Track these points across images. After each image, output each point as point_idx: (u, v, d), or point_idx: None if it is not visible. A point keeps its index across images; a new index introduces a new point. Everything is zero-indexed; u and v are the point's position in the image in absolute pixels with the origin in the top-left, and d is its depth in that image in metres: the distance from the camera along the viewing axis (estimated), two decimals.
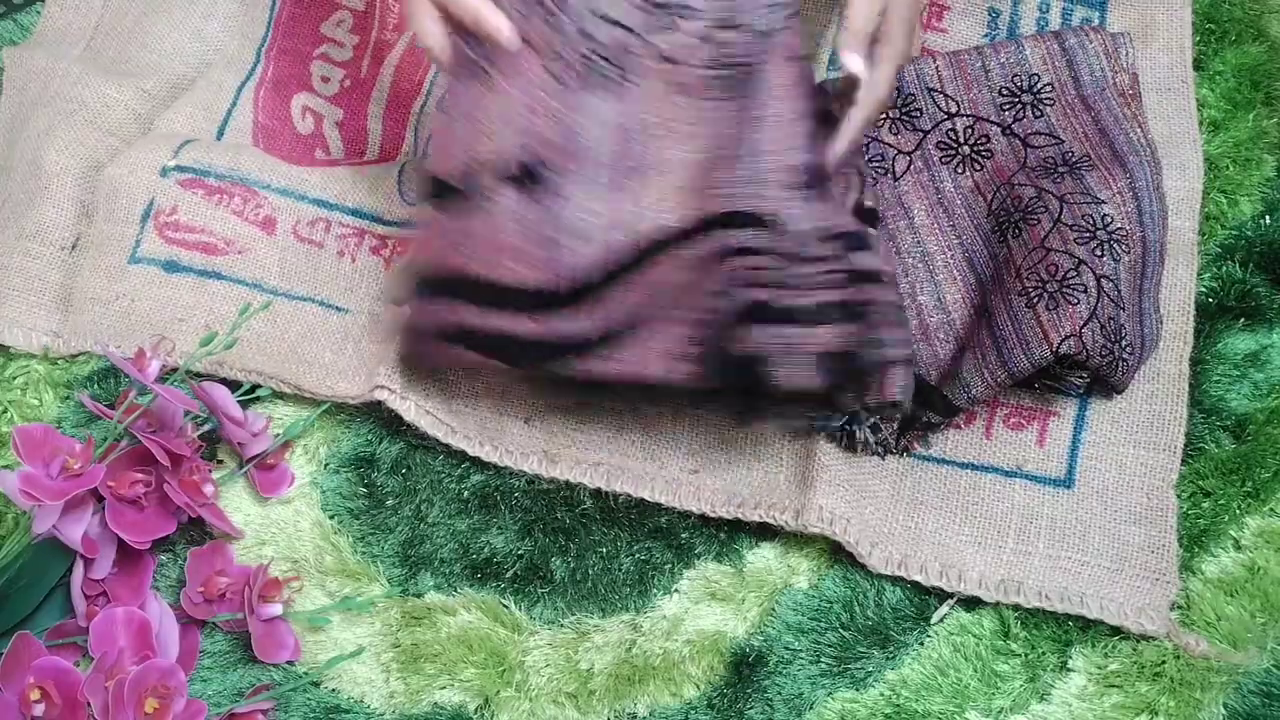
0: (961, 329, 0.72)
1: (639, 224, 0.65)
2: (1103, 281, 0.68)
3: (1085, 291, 0.68)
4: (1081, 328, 0.67)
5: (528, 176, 0.65)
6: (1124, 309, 0.68)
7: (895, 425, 0.71)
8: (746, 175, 0.64)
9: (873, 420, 0.70)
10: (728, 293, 0.63)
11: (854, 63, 0.65)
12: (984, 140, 0.76)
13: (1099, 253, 0.69)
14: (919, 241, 0.75)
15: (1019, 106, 0.76)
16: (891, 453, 0.71)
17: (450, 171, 0.67)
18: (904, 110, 0.78)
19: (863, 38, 0.64)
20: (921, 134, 0.78)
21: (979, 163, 0.76)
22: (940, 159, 0.77)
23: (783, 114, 0.65)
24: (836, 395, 0.66)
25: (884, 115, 0.78)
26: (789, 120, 0.65)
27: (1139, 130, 0.74)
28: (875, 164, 0.77)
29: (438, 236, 0.68)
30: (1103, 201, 0.70)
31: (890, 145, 0.78)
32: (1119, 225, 0.69)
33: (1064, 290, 0.68)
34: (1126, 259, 0.69)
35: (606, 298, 0.65)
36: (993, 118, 0.76)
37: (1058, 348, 0.66)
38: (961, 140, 0.76)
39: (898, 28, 0.65)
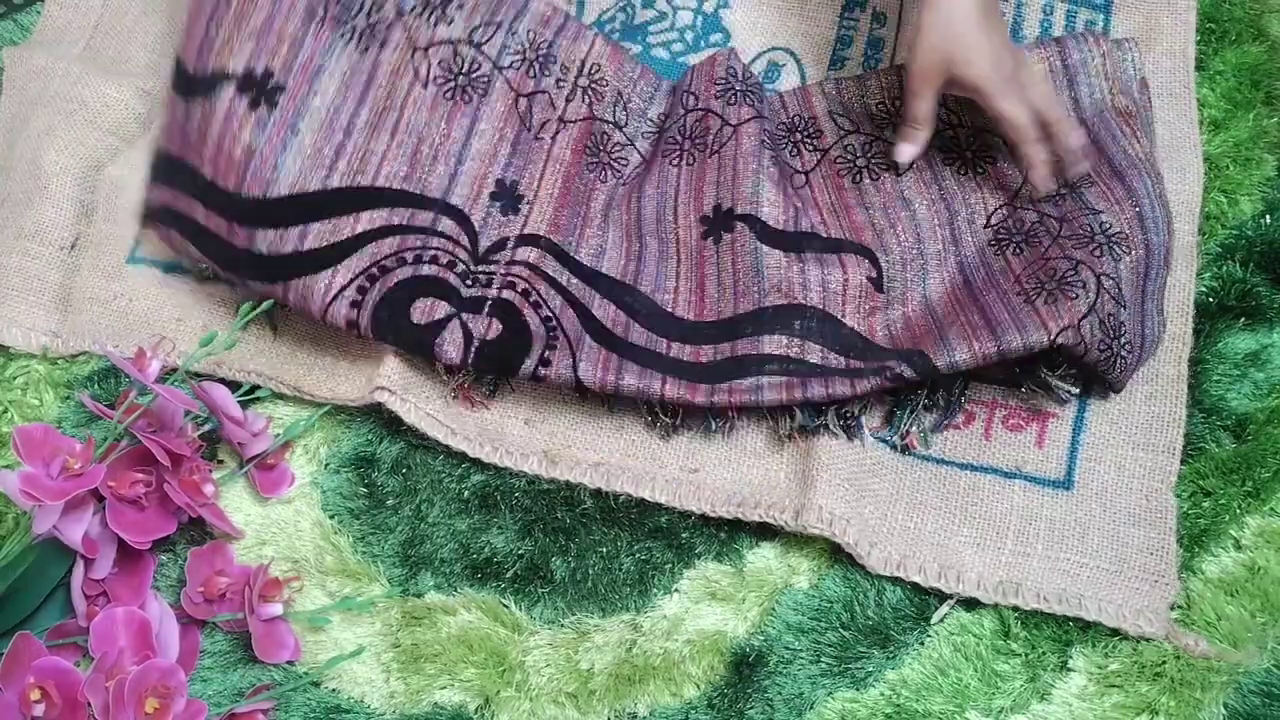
0: (945, 319, 0.71)
1: (358, 180, 0.73)
2: (1102, 279, 0.68)
3: (1084, 288, 0.68)
4: (1080, 320, 0.67)
5: (265, 98, 0.73)
6: (1125, 307, 0.68)
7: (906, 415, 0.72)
8: (445, 172, 0.75)
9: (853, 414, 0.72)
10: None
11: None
12: (986, 147, 0.76)
13: (1098, 253, 0.69)
14: (919, 239, 0.74)
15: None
16: (893, 447, 0.71)
17: (194, 64, 0.75)
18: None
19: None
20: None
21: (982, 166, 0.76)
22: (943, 160, 0.77)
23: (495, 131, 0.77)
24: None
25: (887, 117, 0.79)
26: (496, 138, 0.77)
27: (1137, 145, 0.74)
28: (879, 161, 0.78)
29: (172, 122, 0.76)
30: (1100, 211, 0.71)
31: (895, 145, 0.78)
32: (1117, 230, 0.70)
33: (1063, 288, 0.68)
34: (1127, 259, 0.69)
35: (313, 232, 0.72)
36: (994, 129, 0.76)
37: (1055, 337, 0.66)
38: (964, 146, 0.77)
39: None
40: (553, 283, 0.73)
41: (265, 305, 0.72)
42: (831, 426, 0.71)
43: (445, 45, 0.77)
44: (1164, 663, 0.65)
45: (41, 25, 0.92)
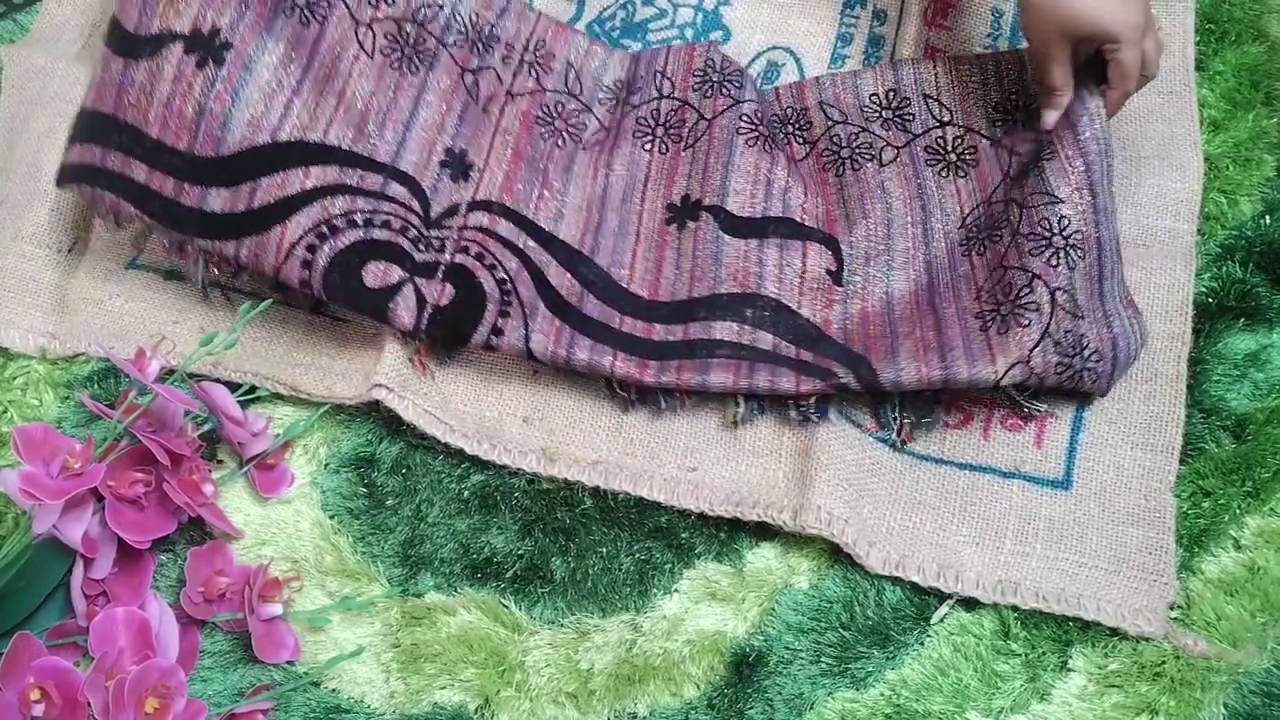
0: (901, 323, 0.72)
1: (308, 135, 0.73)
2: (1057, 294, 0.68)
3: (1038, 310, 0.68)
4: (1031, 350, 0.68)
5: (212, 57, 0.72)
6: (1083, 317, 0.68)
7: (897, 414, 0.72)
8: (393, 138, 0.75)
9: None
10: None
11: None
12: (972, 150, 0.76)
13: (1054, 262, 0.69)
14: (889, 235, 0.75)
15: (1011, 121, 0.76)
16: (892, 445, 0.72)
17: (134, 23, 0.73)
18: (897, 112, 0.78)
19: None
20: (912, 136, 0.78)
21: (964, 170, 0.76)
22: (926, 160, 0.77)
23: (442, 102, 0.77)
24: None
25: (877, 110, 0.79)
26: (443, 109, 0.77)
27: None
28: (863, 151, 0.78)
29: (105, 81, 0.73)
30: (1060, 200, 0.70)
31: (880, 137, 0.78)
32: (1075, 229, 0.69)
33: (1016, 312, 0.69)
34: (1082, 265, 0.69)
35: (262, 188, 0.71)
36: (983, 130, 0.77)
37: (1002, 376, 0.68)
38: (950, 149, 0.77)
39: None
40: (508, 244, 0.74)
41: (264, 305, 0.72)
42: (792, 414, 0.72)
43: (389, 21, 0.77)
44: (1164, 663, 0.65)
45: (39, 23, 0.91)
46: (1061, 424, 0.72)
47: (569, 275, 0.74)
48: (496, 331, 0.72)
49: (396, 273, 0.72)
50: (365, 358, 0.75)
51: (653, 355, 0.72)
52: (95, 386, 0.76)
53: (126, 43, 0.74)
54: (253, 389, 0.75)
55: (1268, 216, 0.78)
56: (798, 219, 0.75)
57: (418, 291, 0.72)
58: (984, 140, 0.76)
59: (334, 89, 0.74)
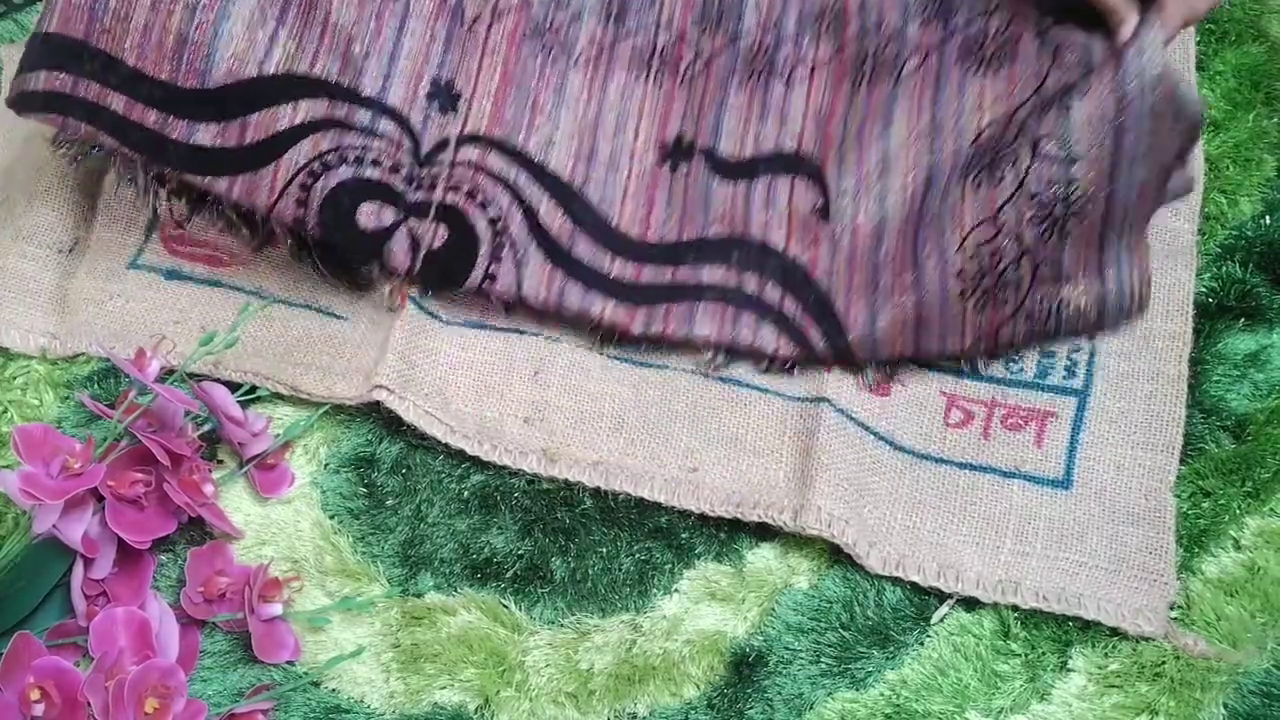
0: (885, 268, 0.71)
1: (295, 67, 0.72)
2: (1041, 267, 0.68)
3: (1018, 287, 0.69)
4: (999, 328, 0.69)
5: None
6: (1066, 280, 0.69)
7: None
8: (378, 71, 0.73)
9: None
10: None
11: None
12: (1013, 42, 0.71)
13: (1047, 234, 0.67)
14: (885, 170, 0.72)
15: (1063, 15, 0.70)
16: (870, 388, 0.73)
17: None
18: (943, 4, 0.74)
19: None
20: (949, 33, 0.74)
21: (997, 64, 0.71)
22: (957, 59, 0.73)
23: (426, 28, 0.75)
24: None
25: (923, 9, 0.75)
26: (428, 36, 0.75)
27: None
28: (885, 65, 0.75)
29: (75, 3, 0.71)
30: (1076, 159, 0.66)
31: (911, 41, 0.74)
32: (1083, 192, 0.66)
33: (998, 287, 0.69)
34: (1078, 230, 0.67)
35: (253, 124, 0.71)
36: (1032, 20, 0.71)
37: (968, 349, 0.71)
38: (989, 39, 0.72)
39: None
40: (499, 180, 0.74)
41: (264, 304, 0.72)
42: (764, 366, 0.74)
43: None
44: (1164, 663, 0.65)
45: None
46: (1062, 423, 0.72)
47: (560, 213, 0.74)
48: (490, 277, 0.73)
49: (390, 214, 0.72)
50: (365, 358, 0.75)
51: (642, 301, 0.73)
52: (95, 386, 0.76)
53: None
54: (253, 389, 0.75)
55: (1268, 216, 0.78)
56: (789, 150, 0.75)
57: (411, 234, 0.73)
58: (1028, 34, 0.71)
59: (318, 18, 0.72)
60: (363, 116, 0.72)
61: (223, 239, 0.79)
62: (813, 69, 0.77)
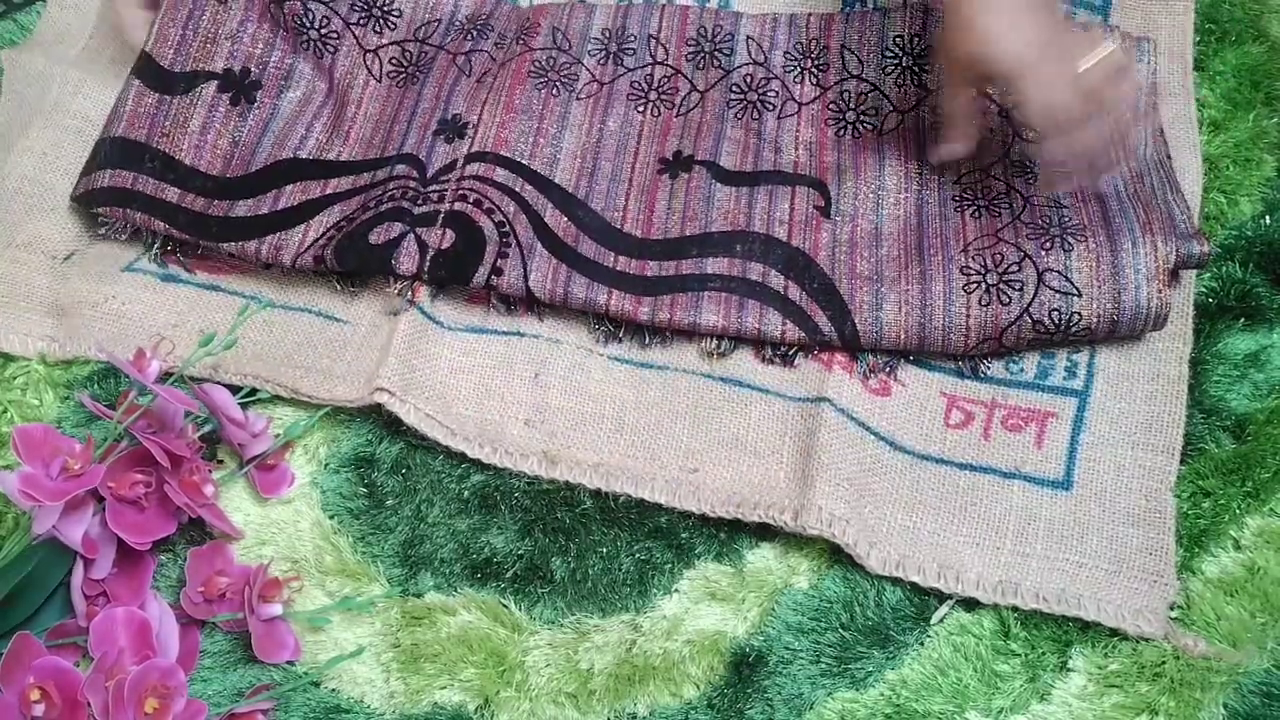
0: (888, 264, 0.74)
1: (326, 155, 0.81)
2: (1045, 275, 0.70)
3: (1021, 289, 0.70)
4: (1004, 329, 0.70)
5: (244, 94, 0.82)
6: (1078, 295, 0.70)
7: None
8: (398, 136, 0.80)
9: None
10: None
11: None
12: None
13: (1048, 246, 0.71)
14: (881, 184, 0.77)
15: None
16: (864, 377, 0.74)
17: (169, 60, 0.82)
18: (917, 60, 0.80)
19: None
20: (925, 93, 0.80)
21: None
22: (931, 124, 0.79)
23: (435, 94, 0.82)
24: None
25: (897, 58, 0.80)
26: (438, 93, 0.82)
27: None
28: (868, 116, 0.80)
29: (137, 112, 0.82)
30: (1065, 206, 0.72)
31: (889, 100, 0.80)
32: (1075, 222, 0.71)
33: (1001, 285, 0.70)
34: (1081, 247, 0.70)
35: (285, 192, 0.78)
36: (996, 98, 0.77)
37: (973, 348, 0.71)
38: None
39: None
40: (505, 189, 0.77)
41: (261, 306, 0.72)
42: (767, 352, 0.74)
43: (393, 46, 0.85)
44: (1164, 663, 0.65)
45: (42, 25, 0.92)
46: (1062, 424, 0.72)
47: (564, 218, 0.77)
48: (496, 271, 0.74)
49: (398, 227, 0.75)
50: (366, 361, 0.75)
51: (646, 291, 0.74)
52: (95, 387, 0.76)
53: (161, 78, 0.82)
54: (253, 390, 0.75)
55: (1268, 216, 0.78)
56: (789, 171, 0.79)
57: (419, 240, 0.75)
58: (994, 105, 0.76)
59: (348, 115, 0.81)
60: (382, 173, 0.79)
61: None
62: (800, 106, 0.82)
